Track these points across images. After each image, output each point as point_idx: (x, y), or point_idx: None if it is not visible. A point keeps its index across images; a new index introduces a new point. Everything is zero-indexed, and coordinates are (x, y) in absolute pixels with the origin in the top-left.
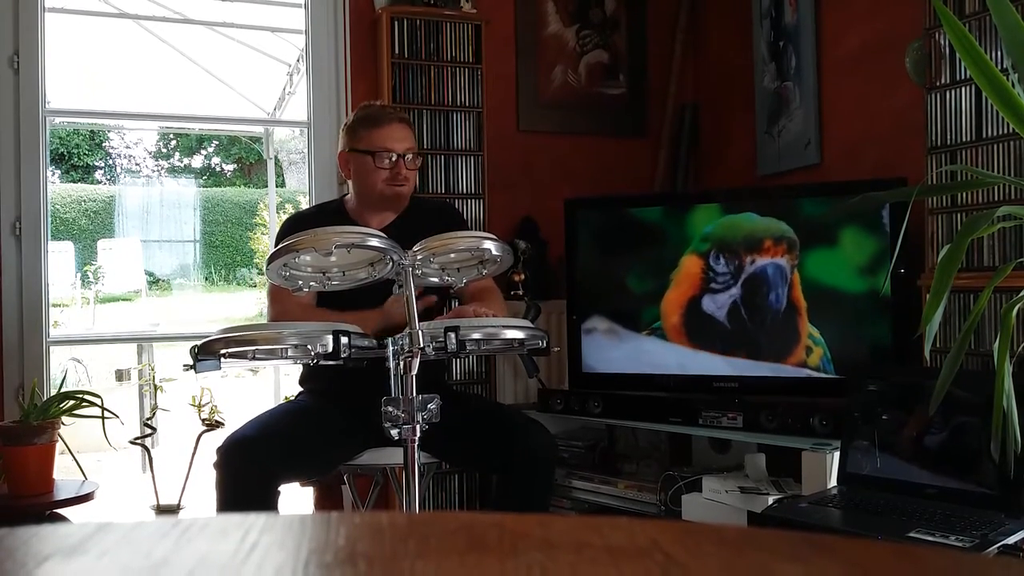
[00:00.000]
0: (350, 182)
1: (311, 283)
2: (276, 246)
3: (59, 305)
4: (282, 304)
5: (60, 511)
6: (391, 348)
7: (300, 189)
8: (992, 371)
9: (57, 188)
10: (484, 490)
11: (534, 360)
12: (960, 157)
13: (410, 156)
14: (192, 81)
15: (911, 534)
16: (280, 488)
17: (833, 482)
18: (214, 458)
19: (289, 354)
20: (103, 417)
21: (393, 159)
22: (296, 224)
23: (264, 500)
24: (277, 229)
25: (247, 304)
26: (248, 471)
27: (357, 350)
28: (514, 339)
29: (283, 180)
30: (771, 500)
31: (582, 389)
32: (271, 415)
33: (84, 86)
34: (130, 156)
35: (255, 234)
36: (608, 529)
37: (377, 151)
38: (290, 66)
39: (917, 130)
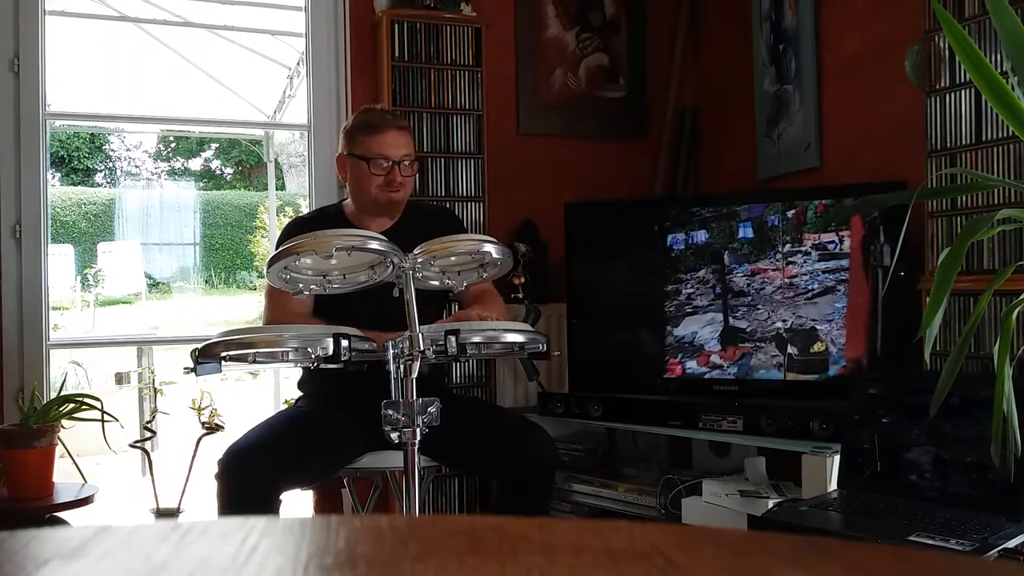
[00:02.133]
0: (347, 185)
1: (311, 286)
2: (277, 250)
3: (59, 308)
4: (275, 313)
5: (60, 514)
6: (391, 351)
7: (300, 192)
8: (992, 374)
9: (57, 191)
10: (484, 493)
11: (534, 364)
12: (960, 160)
13: (407, 163)
14: (192, 84)
15: (911, 538)
16: (282, 497)
17: (833, 485)
18: (214, 469)
19: (290, 357)
20: (103, 420)
21: (387, 166)
22: (297, 228)
23: (266, 510)
24: (278, 233)
25: (247, 307)
26: (249, 481)
27: (357, 353)
28: (514, 343)
29: (283, 183)
30: (771, 503)
31: (582, 392)
32: (270, 423)
33: (84, 89)
34: (130, 159)
35: (255, 237)
36: (608, 532)
37: (372, 157)
38: (290, 69)
39: (917, 133)
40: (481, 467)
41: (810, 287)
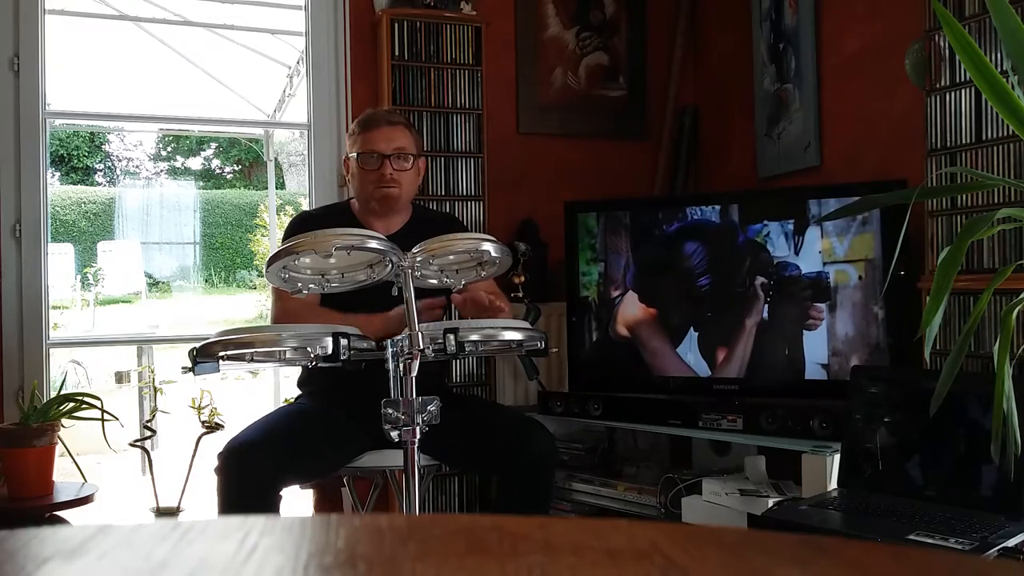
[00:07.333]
0: (350, 186)
1: (311, 285)
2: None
3: (59, 307)
4: (285, 303)
5: (60, 513)
6: (390, 350)
7: (300, 191)
8: (992, 373)
9: (57, 190)
10: (484, 492)
11: (534, 362)
12: (960, 159)
13: (399, 157)
14: (192, 83)
15: (911, 536)
16: (282, 492)
17: (833, 484)
18: (214, 463)
19: (288, 356)
20: (103, 419)
21: (376, 159)
22: (304, 223)
23: (265, 504)
24: (281, 231)
25: (247, 306)
26: (249, 476)
27: (356, 352)
28: (512, 340)
29: (283, 182)
30: (771, 502)
31: (582, 391)
32: (270, 419)
33: (84, 88)
34: (130, 158)
35: (255, 236)
36: (608, 531)
37: (363, 153)
38: (290, 68)
39: (917, 132)
40: (482, 464)
41: (810, 286)
